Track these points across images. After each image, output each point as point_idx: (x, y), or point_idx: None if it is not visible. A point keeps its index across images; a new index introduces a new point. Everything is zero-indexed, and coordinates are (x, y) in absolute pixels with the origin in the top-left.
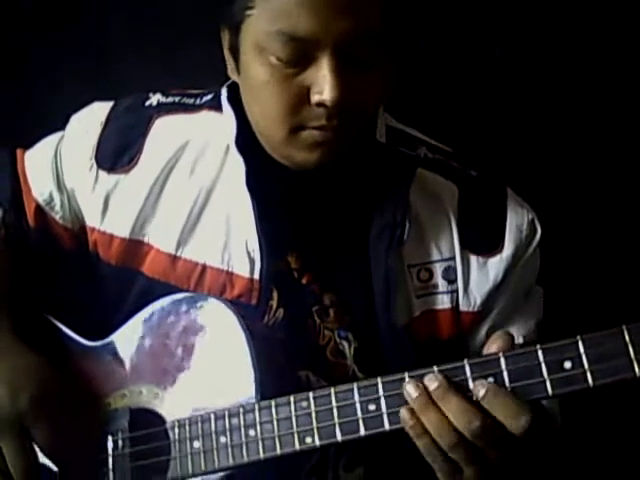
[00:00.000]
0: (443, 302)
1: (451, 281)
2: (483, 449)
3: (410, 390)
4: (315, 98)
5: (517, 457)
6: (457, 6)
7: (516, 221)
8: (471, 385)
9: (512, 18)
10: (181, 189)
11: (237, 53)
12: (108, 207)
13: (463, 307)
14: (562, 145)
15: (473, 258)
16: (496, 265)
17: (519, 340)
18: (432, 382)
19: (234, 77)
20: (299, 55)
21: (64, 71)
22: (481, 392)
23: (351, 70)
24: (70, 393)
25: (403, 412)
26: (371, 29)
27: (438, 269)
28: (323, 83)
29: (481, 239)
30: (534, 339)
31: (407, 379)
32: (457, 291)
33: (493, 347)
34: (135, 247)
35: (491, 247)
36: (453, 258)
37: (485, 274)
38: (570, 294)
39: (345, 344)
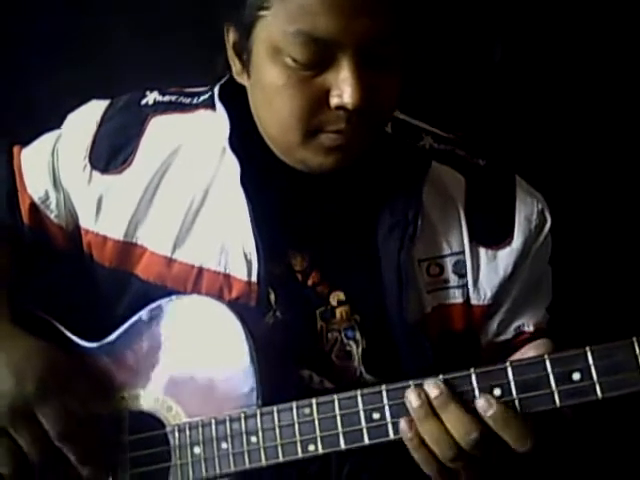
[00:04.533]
0: (455, 296)
1: (462, 275)
2: (480, 459)
3: (411, 398)
4: (335, 101)
5: (516, 466)
6: (457, 3)
7: (525, 212)
8: (478, 397)
9: (512, 13)
10: (176, 190)
11: (244, 54)
12: (101, 208)
13: (474, 300)
14: (569, 134)
15: (482, 251)
16: (506, 257)
17: (529, 328)
18: (434, 390)
19: (241, 79)
20: (318, 56)
21: (63, 67)
22: (489, 412)
23: (371, 71)
24: (73, 381)
25: (402, 423)
26: (392, 28)
27: (449, 263)
28: (344, 86)
29: (490, 231)
30: (544, 326)
31: (411, 387)
32: (467, 285)
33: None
34: (129, 249)
35: (500, 239)
36: (463, 252)
37: (495, 267)
38: (579, 304)
39: (352, 344)
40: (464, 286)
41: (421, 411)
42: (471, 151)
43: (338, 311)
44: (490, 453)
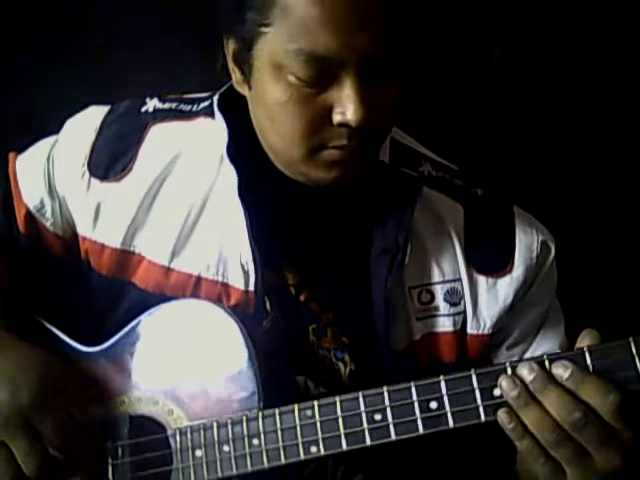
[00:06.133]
0: (445, 325)
1: (454, 304)
2: (584, 446)
3: (508, 387)
4: (338, 118)
5: (618, 456)
6: (455, 6)
7: (525, 241)
8: (553, 365)
9: (512, 13)
10: (175, 199)
11: (246, 66)
12: (99, 216)
13: (472, 330)
14: (569, 156)
15: (481, 279)
16: (506, 286)
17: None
18: (529, 373)
19: (242, 90)
20: (320, 74)
21: (61, 73)
22: (565, 374)
23: (372, 87)
24: (72, 386)
25: (501, 415)
26: (393, 44)
27: (440, 291)
28: (347, 103)
29: (489, 259)
30: (569, 344)
31: (504, 374)
32: (462, 313)
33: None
34: (126, 257)
35: (500, 267)
36: (457, 280)
37: (494, 295)
38: (577, 304)
39: (341, 365)
40: (456, 315)
41: (522, 398)
42: (469, 180)
43: (329, 330)
44: (591, 436)
